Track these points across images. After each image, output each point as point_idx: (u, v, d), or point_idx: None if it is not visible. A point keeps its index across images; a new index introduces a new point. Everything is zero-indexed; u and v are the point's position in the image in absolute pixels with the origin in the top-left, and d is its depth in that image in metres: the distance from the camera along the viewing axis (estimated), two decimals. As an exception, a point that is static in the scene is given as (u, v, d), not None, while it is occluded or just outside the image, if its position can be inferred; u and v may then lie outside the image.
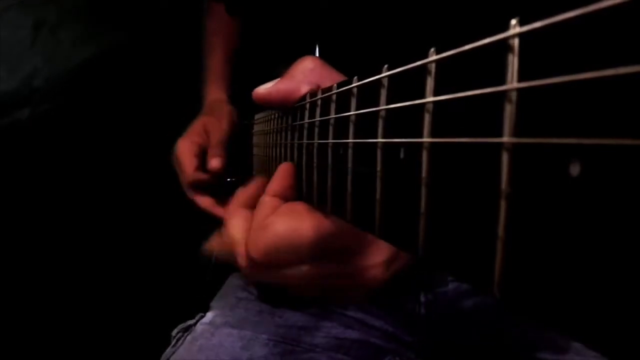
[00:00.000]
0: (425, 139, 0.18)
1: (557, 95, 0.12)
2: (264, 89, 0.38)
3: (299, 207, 0.34)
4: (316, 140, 0.32)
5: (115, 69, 1.04)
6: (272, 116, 0.50)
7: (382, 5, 0.52)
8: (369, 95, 0.23)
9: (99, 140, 1.05)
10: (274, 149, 0.48)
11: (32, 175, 1.01)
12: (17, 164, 1.00)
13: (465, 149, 0.15)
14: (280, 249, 0.33)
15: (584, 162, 0.11)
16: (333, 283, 0.35)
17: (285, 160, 0.40)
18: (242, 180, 0.55)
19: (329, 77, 0.35)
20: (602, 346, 0.11)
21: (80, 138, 1.03)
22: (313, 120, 0.33)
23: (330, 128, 0.29)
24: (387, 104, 0.21)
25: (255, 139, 0.67)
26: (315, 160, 0.32)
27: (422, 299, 0.55)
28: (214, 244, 0.44)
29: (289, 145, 0.40)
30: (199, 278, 0.72)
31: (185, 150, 0.67)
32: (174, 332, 0.58)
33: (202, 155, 0.67)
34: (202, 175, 0.65)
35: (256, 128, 0.65)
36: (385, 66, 0.22)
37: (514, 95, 0.13)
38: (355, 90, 0.25)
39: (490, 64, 0.14)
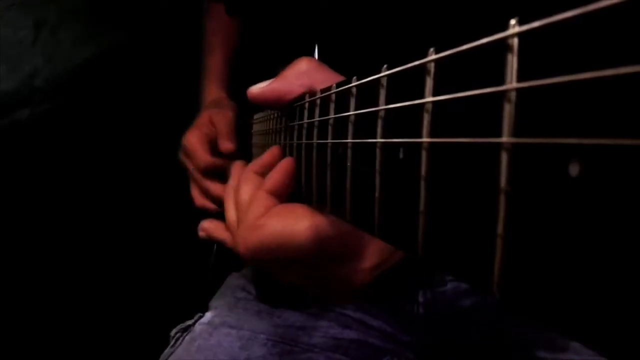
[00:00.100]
0: (425, 139, 0.18)
1: (557, 95, 0.12)
2: (257, 88, 0.38)
3: (293, 209, 0.34)
4: (315, 140, 0.32)
5: (115, 69, 1.04)
6: (271, 116, 0.50)
7: (381, 5, 0.52)
8: (368, 95, 0.23)
9: (99, 140, 1.05)
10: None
11: (32, 175, 1.01)
12: (17, 164, 1.00)
13: (465, 149, 0.15)
14: (269, 249, 0.33)
15: (584, 162, 0.11)
16: (321, 283, 0.35)
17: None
18: None
19: (324, 79, 0.36)
20: (601, 346, 0.11)
21: (80, 138, 1.03)
22: (312, 120, 0.33)
23: (330, 128, 0.29)
24: (387, 103, 0.21)
25: (254, 139, 0.67)
26: (314, 160, 0.32)
27: (421, 298, 0.55)
28: (209, 227, 0.44)
29: (288, 145, 0.40)
30: (197, 278, 0.72)
31: (195, 140, 0.66)
32: (172, 333, 0.58)
33: (212, 145, 0.67)
34: (215, 160, 0.65)
35: (255, 128, 0.65)
36: (385, 66, 0.22)
37: (513, 95, 0.13)
38: (354, 90, 0.25)
39: (489, 63, 0.14)
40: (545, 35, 0.12)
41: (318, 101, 0.32)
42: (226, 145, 0.64)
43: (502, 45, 0.14)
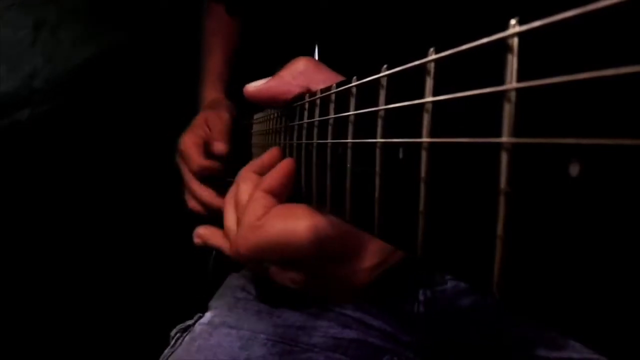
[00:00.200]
0: (424, 139, 0.18)
1: (556, 95, 0.12)
2: (254, 86, 0.39)
3: (293, 209, 0.33)
4: (315, 140, 0.32)
5: (115, 69, 1.04)
6: (271, 116, 0.50)
7: (381, 5, 0.52)
8: (368, 95, 0.23)
9: (99, 141, 1.05)
10: (273, 149, 0.48)
11: (32, 175, 1.01)
12: (17, 165, 0.99)
13: (465, 149, 0.15)
14: (269, 249, 0.33)
15: (584, 162, 0.11)
16: (320, 284, 0.35)
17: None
18: None
19: (322, 78, 0.36)
20: (601, 346, 0.11)
21: (80, 138, 1.03)
22: (312, 120, 0.33)
23: (329, 128, 0.29)
24: (386, 103, 0.21)
25: (254, 139, 0.67)
26: (314, 160, 0.32)
27: (421, 297, 0.55)
28: (204, 233, 0.44)
29: (287, 145, 0.40)
30: (197, 278, 0.72)
31: (189, 143, 0.66)
32: (172, 333, 0.58)
33: (206, 147, 0.67)
34: (208, 163, 0.65)
35: (255, 128, 0.65)
36: (384, 66, 0.22)
37: (513, 95, 0.13)
38: (354, 90, 0.25)
39: (489, 63, 0.14)
40: (545, 35, 0.12)
41: (318, 101, 0.32)
42: (218, 146, 0.64)
43: (502, 45, 0.14)
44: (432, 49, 0.18)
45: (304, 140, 0.35)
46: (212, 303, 0.61)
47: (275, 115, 0.48)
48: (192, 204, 0.67)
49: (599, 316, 0.11)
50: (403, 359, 0.56)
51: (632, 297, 0.10)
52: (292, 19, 0.72)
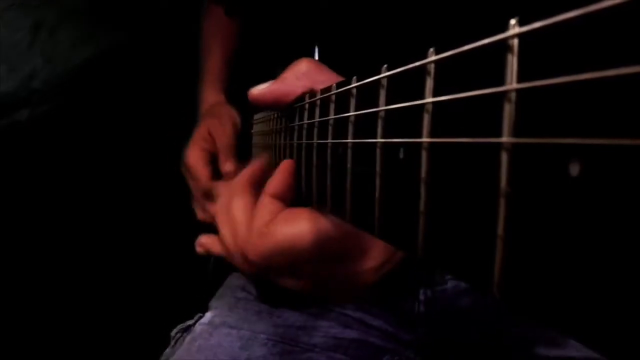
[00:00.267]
0: (425, 139, 0.18)
1: (557, 95, 0.12)
2: (258, 90, 0.39)
3: (300, 214, 0.34)
4: (315, 141, 0.32)
5: (114, 69, 1.04)
6: (272, 116, 0.50)
7: (381, 6, 0.52)
8: (368, 95, 0.23)
9: (99, 141, 1.05)
10: (273, 150, 0.48)
11: (32, 176, 1.01)
12: (17, 166, 0.99)
13: (465, 149, 0.15)
14: (279, 255, 0.33)
15: (584, 162, 0.11)
16: (326, 284, 0.35)
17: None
18: None
19: (323, 80, 0.36)
20: (601, 346, 0.11)
21: (80, 139, 1.03)
22: (312, 120, 0.33)
23: (330, 128, 0.29)
24: (387, 104, 0.21)
25: (254, 139, 0.67)
26: (314, 160, 0.32)
27: (422, 296, 0.55)
28: (206, 242, 0.44)
29: (288, 145, 0.40)
30: (197, 278, 0.72)
31: (196, 159, 0.67)
32: (173, 333, 0.58)
33: (212, 162, 0.67)
34: (216, 184, 0.65)
35: (255, 128, 0.65)
36: (385, 66, 0.22)
37: (513, 96, 0.13)
38: (354, 90, 0.25)
39: (489, 64, 0.14)
40: (545, 36, 0.12)
41: (318, 102, 0.32)
42: (227, 167, 0.65)
43: (502, 46, 0.14)
44: (432, 50, 0.18)
45: (304, 141, 0.35)
46: (213, 303, 0.61)
47: (276, 115, 0.48)
48: (203, 217, 0.68)
49: (598, 316, 0.11)
50: (403, 358, 0.56)
51: (632, 297, 0.10)
52: (292, 19, 0.72)
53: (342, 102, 0.27)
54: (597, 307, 0.11)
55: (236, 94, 0.76)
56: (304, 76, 0.37)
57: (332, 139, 0.29)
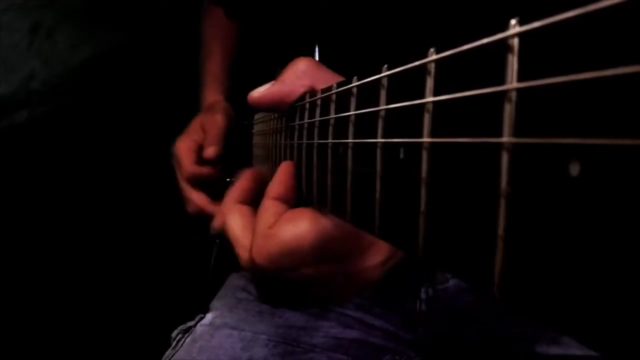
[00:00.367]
0: (425, 139, 0.18)
1: (557, 95, 0.12)
2: (257, 93, 0.38)
3: (303, 214, 0.34)
4: (316, 140, 0.32)
5: (113, 70, 1.04)
6: (272, 116, 0.50)
7: (381, 5, 0.52)
8: (368, 95, 0.23)
9: (97, 142, 1.05)
10: (273, 149, 0.48)
11: (31, 177, 1.01)
12: (15, 167, 1.00)
13: (465, 149, 0.15)
14: (285, 256, 0.33)
15: (584, 161, 0.11)
16: (332, 283, 0.35)
17: (285, 160, 0.40)
18: None
19: (323, 78, 0.36)
20: (601, 346, 0.11)
21: (78, 140, 1.04)
22: (313, 120, 0.33)
23: (330, 128, 0.29)
24: (387, 103, 0.21)
25: (255, 139, 0.67)
26: (315, 160, 0.32)
27: (423, 295, 0.55)
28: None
29: (288, 145, 0.40)
30: (198, 279, 0.72)
31: (183, 147, 0.67)
32: (173, 334, 0.58)
33: (199, 151, 0.67)
34: (199, 169, 0.66)
35: (256, 128, 0.65)
36: (385, 66, 0.22)
37: (513, 95, 0.13)
38: (354, 90, 0.25)
39: (489, 63, 0.14)
40: (546, 36, 0.12)
41: (319, 101, 0.32)
42: (208, 152, 0.65)
43: (503, 46, 0.14)
44: (432, 49, 0.18)
45: (304, 141, 0.35)
46: (213, 304, 0.61)
47: (276, 115, 0.48)
48: (189, 208, 0.68)
49: (598, 316, 0.11)
50: (404, 358, 0.56)
51: (632, 296, 0.10)
52: (292, 19, 0.72)
53: (343, 101, 0.27)
54: (597, 307, 0.11)
55: (236, 95, 0.76)
56: (303, 75, 0.37)
57: (333, 139, 0.29)
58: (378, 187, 0.22)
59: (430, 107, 0.17)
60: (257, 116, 0.65)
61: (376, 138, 0.22)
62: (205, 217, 0.66)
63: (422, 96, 0.18)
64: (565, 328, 0.12)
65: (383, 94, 0.22)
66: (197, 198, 0.66)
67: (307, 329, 0.56)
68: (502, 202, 0.14)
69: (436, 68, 0.17)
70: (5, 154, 0.98)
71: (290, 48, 0.72)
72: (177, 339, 0.57)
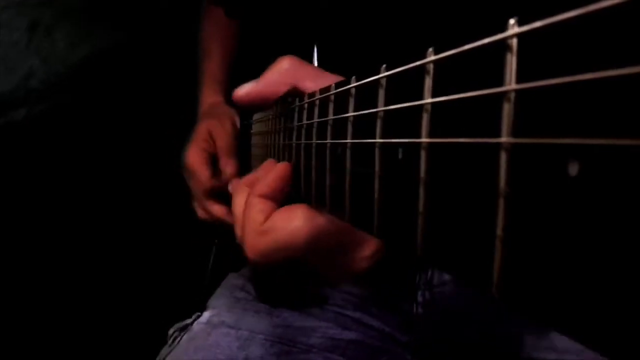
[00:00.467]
0: (424, 139, 0.18)
1: (556, 95, 0.12)
2: (242, 91, 0.39)
3: (294, 211, 0.34)
4: (314, 141, 0.32)
5: (112, 69, 1.04)
6: (271, 116, 0.50)
7: (381, 6, 0.52)
8: (367, 95, 0.23)
9: (96, 141, 1.05)
10: (272, 150, 0.48)
11: (29, 176, 1.01)
12: (13, 165, 0.99)
13: (464, 149, 0.15)
14: (279, 251, 0.34)
15: (583, 162, 0.11)
16: (324, 275, 0.36)
17: (283, 160, 0.40)
18: None
19: (308, 76, 0.36)
20: (601, 346, 0.11)
21: (77, 138, 1.03)
22: (311, 121, 0.33)
23: (329, 128, 0.29)
24: (386, 104, 0.21)
25: (253, 140, 0.67)
26: (313, 160, 0.32)
27: (420, 298, 0.55)
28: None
29: (287, 145, 0.40)
30: (196, 277, 0.72)
31: (196, 159, 0.67)
32: (170, 331, 0.58)
33: (213, 162, 0.67)
34: (218, 182, 0.65)
35: (255, 128, 0.65)
36: (384, 66, 0.22)
37: (512, 96, 0.13)
38: (353, 90, 0.25)
39: (488, 64, 0.14)
40: (545, 36, 0.12)
41: (317, 102, 0.32)
42: (228, 167, 0.65)
43: (502, 46, 0.14)
44: (431, 49, 0.18)
45: (303, 141, 0.35)
46: (211, 302, 0.61)
47: (274, 115, 0.48)
48: (205, 216, 0.68)
49: (598, 316, 0.11)
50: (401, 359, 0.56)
51: (632, 296, 0.10)
52: (291, 19, 0.72)
53: (341, 102, 0.27)
54: (596, 307, 0.11)
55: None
56: (286, 73, 0.37)
57: (331, 140, 0.29)
58: (377, 187, 0.22)
59: (428, 107, 0.18)
60: (255, 116, 0.65)
61: (375, 138, 0.22)
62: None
63: (421, 96, 0.18)
64: (564, 328, 0.12)
65: (381, 94, 0.22)
66: (218, 211, 0.66)
67: (304, 329, 0.56)
68: (501, 202, 0.14)
69: (435, 68, 0.17)
70: (3, 152, 0.98)
71: (289, 48, 0.72)
72: (173, 336, 0.57)
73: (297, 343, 0.55)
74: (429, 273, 0.55)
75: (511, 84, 0.13)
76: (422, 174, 0.18)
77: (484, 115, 0.14)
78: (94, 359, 1.04)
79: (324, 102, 0.30)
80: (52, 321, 1.03)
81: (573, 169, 0.11)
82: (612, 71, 0.10)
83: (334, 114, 0.28)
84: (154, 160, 0.99)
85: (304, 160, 0.34)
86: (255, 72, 0.40)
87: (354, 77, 0.26)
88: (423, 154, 0.18)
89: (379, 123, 0.22)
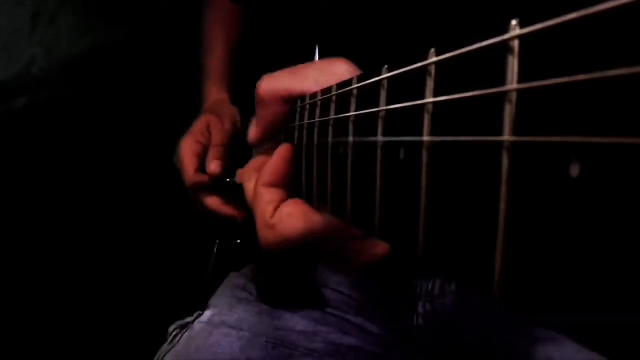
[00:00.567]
0: (425, 137, 0.18)
1: (558, 96, 0.12)
2: (252, 136, 0.40)
3: (299, 211, 0.34)
4: (316, 138, 0.32)
5: (114, 60, 1.03)
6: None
7: (382, 6, 0.52)
8: (368, 96, 0.23)
9: (97, 130, 1.04)
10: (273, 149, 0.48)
11: (29, 165, 1.00)
12: (14, 153, 0.99)
13: (466, 150, 0.16)
14: (284, 246, 0.34)
15: (584, 162, 0.11)
16: (330, 262, 0.37)
17: None
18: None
19: (295, 84, 0.36)
20: (602, 346, 0.11)
21: (78, 127, 1.03)
22: (312, 120, 0.33)
23: (330, 129, 0.29)
24: (387, 105, 0.21)
25: None
26: (315, 161, 0.32)
27: (421, 310, 0.55)
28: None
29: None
30: (197, 275, 0.72)
31: (187, 150, 0.65)
32: (170, 329, 0.58)
33: (204, 156, 0.66)
34: (202, 178, 0.64)
35: None
36: (385, 67, 0.22)
37: (514, 97, 0.13)
38: (355, 91, 0.26)
39: (490, 66, 0.14)
40: (547, 37, 0.12)
41: (319, 102, 0.32)
42: (212, 166, 0.63)
43: (503, 47, 0.14)
44: (432, 50, 0.18)
45: (304, 141, 0.35)
46: (212, 301, 0.61)
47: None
48: (199, 207, 0.67)
49: (599, 316, 0.11)
50: None
51: (633, 297, 0.10)
52: (292, 19, 0.72)
53: (343, 102, 0.27)
54: (598, 308, 0.11)
55: (237, 94, 0.76)
56: (275, 99, 0.37)
57: (333, 140, 0.29)
58: (378, 188, 0.22)
59: (430, 107, 0.18)
60: None
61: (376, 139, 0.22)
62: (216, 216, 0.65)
63: (423, 97, 0.18)
64: (566, 328, 0.12)
65: (383, 95, 0.22)
66: (209, 202, 0.65)
67: (306, 333, 0.56)
68: (502, 202, 0.14)
69: (436, 69, 0.17)
70: (3, 141, 0.98)
71: (290, 47, 0.72)
72: (173, 334, 0.57)
73: (299, 347, 0.55)
74: (430, 284, 0.55)
75: (513, 85, 0.13)
76: (424, 174, 0.18)
77: (485, 116, 0.14)
78: (93, 356, 1.04)
79: (326, 103, 0.30)
80: (51, 316, 1.03)
81: (575, 170, 0.11)
82: (614, 72, 0.10)
83: (336, 115, 0.28)
84: (155, 156, 0.99)
85: (306, 161, 0.34)
86: (256, 72, 0.40)
87: (355, 78, 0.26)
88: (425, 154, 0.18)
89: (380, 124, 0.22)
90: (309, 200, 0.34)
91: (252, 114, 0.62)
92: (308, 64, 0.37)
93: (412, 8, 0.49)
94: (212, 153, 0.64)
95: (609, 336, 0.11)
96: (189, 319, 0.58)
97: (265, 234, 0.35)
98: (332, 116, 0.29)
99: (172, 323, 0.59)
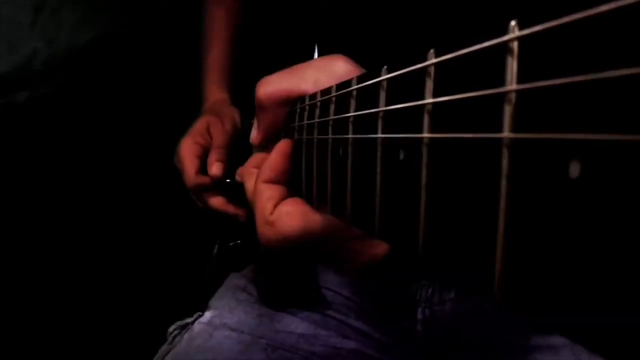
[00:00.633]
0: (425, 135, 0.18)
1: (557, 97, 0.12)
2: (254, 138, 0.40)
3: (299, 210, 0.34)
4: (315, 136, 0.32)
5: (115, 53, 1.03)
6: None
7: (381, 6, 0.52)
8: (368, 96, 0.24)
9: (97, 124, 1.04)
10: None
11: (29, 159, 1.00)
12: (14, 147, 0.99)
13: (465, 150, 0.16)
14: (283, 244, 0.35)
15: (584, 162, 0.11)
16: (332, 259, 0.37)
17: None
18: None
19: (292, 86, 0.36)
20: (602, 347, 0.11)
21: (79, 121, 1.02)
22: (312, 121, 0.33)
23: (330, 129, 0.29)
24: (387, 105, 0.21)
25: None
26: (314, 160, 0.32)
27: (420, 316, 0.55)
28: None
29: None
30: (197, 276, 0.72)
31: (187, 151, 0.65)
32: (170, 329, 0.58)
33: (204, 157, 0.66)
34: (203, 179, 0.64)
35: None
36: (384, 68, 0.22)
37: (513, 97, 0.13)
38: (354, 92, 0.26)
39: (489, 67, 0.14)
40: (546, 38, 0.12)
41: (318, 103, 0.32)
42: (214, 169, 0.62)
43: (503, 48, 0.14)
44: (432, 51, 0.18)
45: (304, 140, 0.35)
46: (212, 302, 0.61)
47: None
48: (201, 206, 0.67)
49: (600, 317, 0.11)
50: None
51: (633, 298, 0.10)
52: (292, 18, 0.72)
53: (342, 103, 0.27)
54: (598, 308, 0.11)
55: (237, 94, 0.76)
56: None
57: (332, 141, 0.29)
58: (378, 188, 0.22)
59: (429, 108, 0.18)
60: None
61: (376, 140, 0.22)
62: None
63: (422, 98, 0.18)
64: (566, 329, 0.12)
65: (382, 95, 0.22)
66: (213, 202, 0.64)
67: (306, 336, 0.56)
68: (502, 202, 0.14)
69: (436, 70, 0.17)
70: (4, 134, 0.97)
71: (290, 47, 0.72)
72: (173, 334, 0.57)
73: (299, 350, 0.54)
74: (430, 290, 0.55)
75: (512, 85, 0.13)
76: (424, 174, 0.18)
77: (485, 117, 0.15)
78: (94, 356, 1.04)
79: (325, 104, 0.30)
80: (51, 316, 1.03)
81: (574, 170, 0.11)
82: (613, 72, 0.10)
83: (335, 115, 0.28)
84: (156, 154, 0.98)
85: (305, 161, 0.35)
86: (255, 72, 0.40)
87: (354, 79, 0.26)
88: (424, 154, 0.18)
89: (380, 124, 0.22)
90: (308, 200, 0.34)
91: (252, 114, 0.62)
92: (306, 63, 0.37)
93: (411, 8, 0.49)
94: (214, 155, 0.64)
95: (609, 337, 0.11)
96: (189, 320, 0.58)
97: (264, 230, 0.35)
98: (332, 117, 0.29)
99: (172, 323, 0.59)
